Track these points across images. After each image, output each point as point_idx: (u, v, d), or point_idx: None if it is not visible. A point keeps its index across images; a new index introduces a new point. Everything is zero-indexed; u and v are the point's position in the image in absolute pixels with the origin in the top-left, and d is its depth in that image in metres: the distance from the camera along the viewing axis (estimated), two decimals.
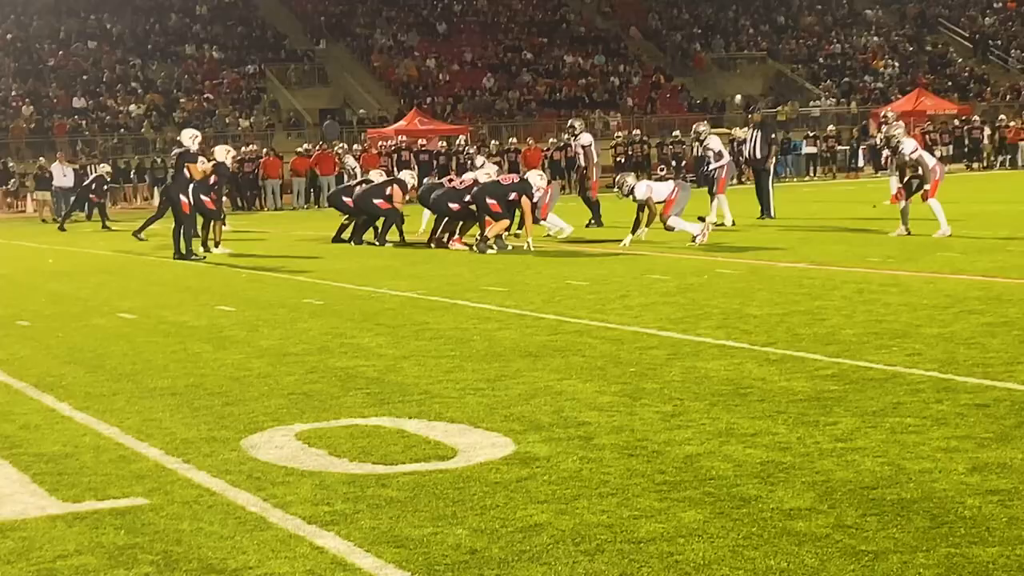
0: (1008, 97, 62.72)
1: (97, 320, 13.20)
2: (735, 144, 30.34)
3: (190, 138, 21.70)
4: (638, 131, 49.36)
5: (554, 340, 10.60)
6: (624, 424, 7.30)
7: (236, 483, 6.30)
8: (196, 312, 13.53)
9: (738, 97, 62.00)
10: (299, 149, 44.53)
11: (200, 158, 22.01)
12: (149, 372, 9.78)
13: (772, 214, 25.12)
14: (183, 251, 21.07)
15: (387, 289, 15.09)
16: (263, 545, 5.27)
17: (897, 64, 68.96)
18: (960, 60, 69.94)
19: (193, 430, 7.60)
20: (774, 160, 27.28)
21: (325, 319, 12.55)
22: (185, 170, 21.27)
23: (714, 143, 24.76)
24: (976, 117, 52.86)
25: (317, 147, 44.50)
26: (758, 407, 7.62)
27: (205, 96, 57.45)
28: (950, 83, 66.07)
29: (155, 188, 45.78)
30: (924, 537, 5.05)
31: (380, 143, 46.26)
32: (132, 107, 55.63)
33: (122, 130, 53.87)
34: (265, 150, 44.84)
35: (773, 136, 27.85)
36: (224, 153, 23.68)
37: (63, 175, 40.37)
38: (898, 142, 20.25)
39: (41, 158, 43.84)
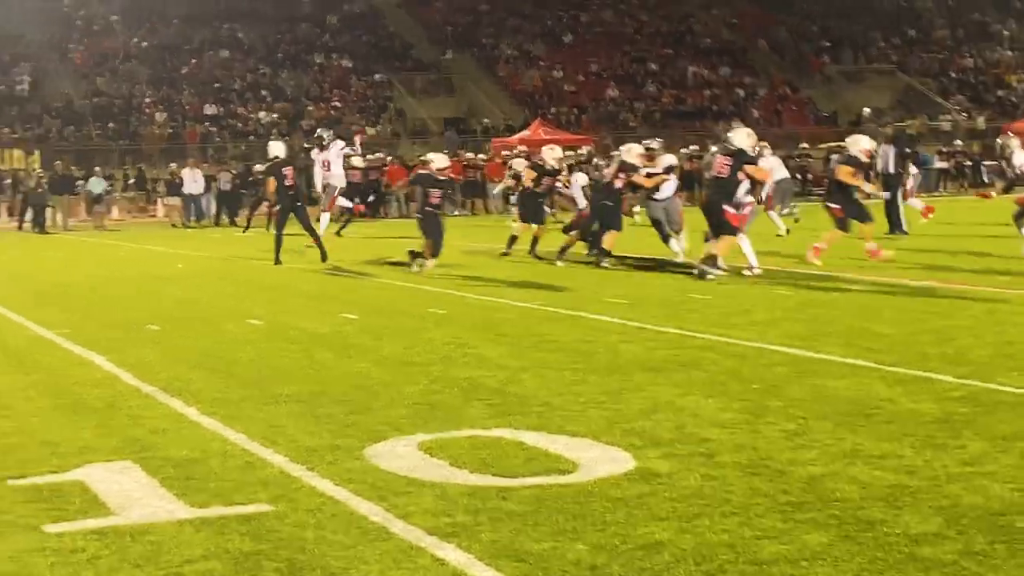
0: None
1: (225, 325, 13.42)
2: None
3: (282, 149, 22.83)
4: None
5: (676, 355, 10.54)
6: (747, 442, 7.24)
7: (359, 492, 6.36)
8: (321, 319, 13.69)
9: (866, 110, 61.17)
10: (423, 158, 44.79)
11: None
12: (275, 379, 9.92)
13: (904, 229, 24.65)
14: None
15: (508, 299, 15.13)
16: (385, 555, 5.31)
17: None
18: None
19: (317, 438, 7.69)
20: (908, 175, 26.78)
21: (448, 328, 12.63)
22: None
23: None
24: None
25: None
26: (884, 428, 7.51)
27: (333, 104, 58.17)
28: None
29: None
30: None
31: (503, 152, 46.38)
32: (262, 114, 56.53)
33: (251, 137, 54.76)
34: (390, 158, 45.21)
35: (907, 151, 27.28)
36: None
37: (193, 181, 41.13)
38: (1011, 152, 19.87)
39: (172, 164, 44.69)
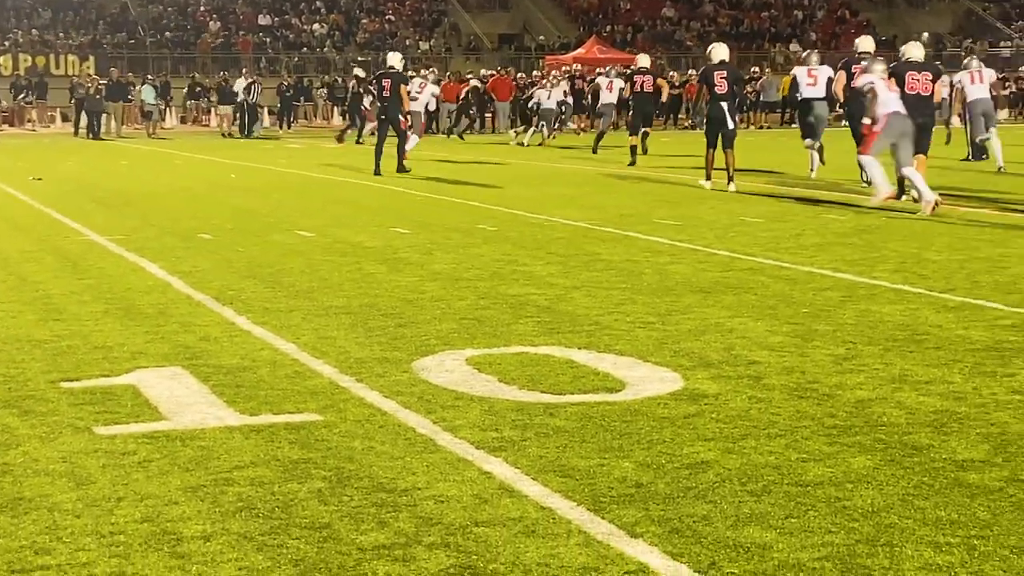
0: None
1: (276, 237, 13.49)
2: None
3: (399, 61, 23.87)
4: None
5: (726, 277, 10.52)
6: (795, 365, 7.23)
7: (407, 404, 6.41)
8: (372, 233, 13.73)
9: (925, 35, 60.31)
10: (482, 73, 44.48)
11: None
12: (325, 290, 9.98)
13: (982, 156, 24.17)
14: (405, 166, 22.73)
15: (559, 218, 15.12)
16: (432, 467, 5.36)
17: None
18: None
19: (366, 350, 7.74)
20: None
21: (498, 245, 12.64)
22: (399, 91, 22.94)
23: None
24: None
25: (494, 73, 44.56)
26: (933, 355, 7.48)
27: (387, 18, 57.93)
28: None
29: (335, 107, 46.55)
30: None
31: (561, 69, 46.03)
32: (315, 26, 56.39)
33: (304, 49, 54.67)
34: (449, 74, 45.01)
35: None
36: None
37: (247, 91, 41.19)
38: None
39: (224, 72, 44.70)
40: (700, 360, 7.38)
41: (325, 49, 54.77)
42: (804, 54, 23.64)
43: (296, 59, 53.35)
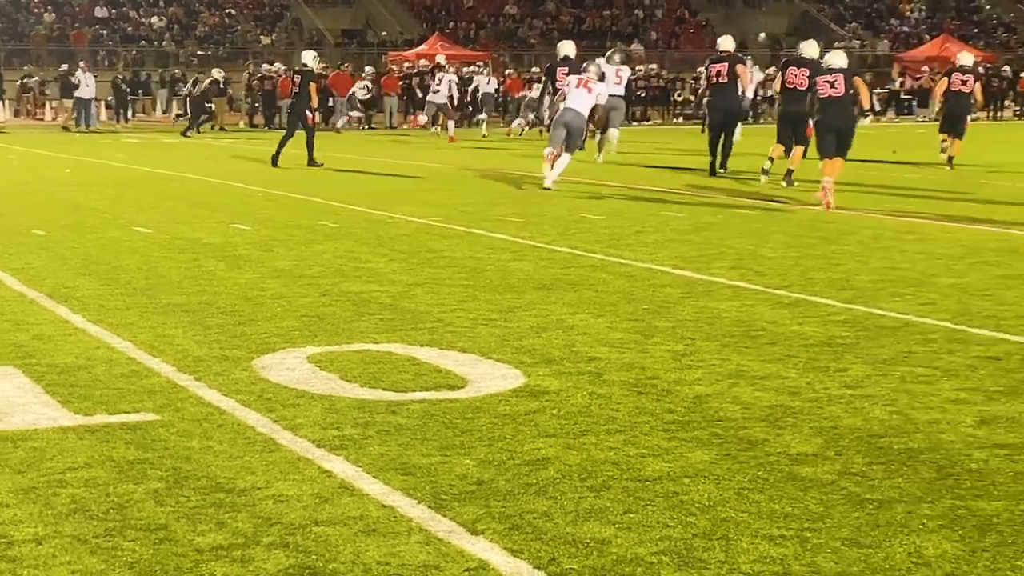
0: None
1: (113, 233, 13.22)
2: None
3: (313, 59, 24.67)
4: (655, 65, 48.98)
5: (567, 273, 10.60)
6: (635, 361, 7.32)
7: (247, 403, 6.33)
8: (211, 229, 13.54)
9: (762, 35, 61.53)
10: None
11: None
12: (163, 288, 9.81)
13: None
14: (315, 160, 23.46)
15: (403, 214, 15.08)
16: (272, 466, 5.30)
17: (924, 8, 68.30)
18: (988, 7, 69.24)
19: (205, 348, 7.63)
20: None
21: (340, 242, 12.56)
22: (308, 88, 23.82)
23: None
24: (1007, 67, 52.37)
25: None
26: (769, 350, 7.63)
27: (227, 11, 57.16)
28: (976, 29, 65.44)
29: (174, 102, 45.80)
30: (929, 488, 5.07)
31: (405, 66, 45.92)
32: (154, 19, 55.39)
33: (142, 42, 53.68)
34: (284, 69, 44.59)
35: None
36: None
37: (86, 84, 40.26)
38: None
39: (64, 65, 43.63)
40: (541, 357, 7.42)
41: (164, 43, 53.84)
42: (608, 52, 24.25)
43: (134, 52, 52.34)
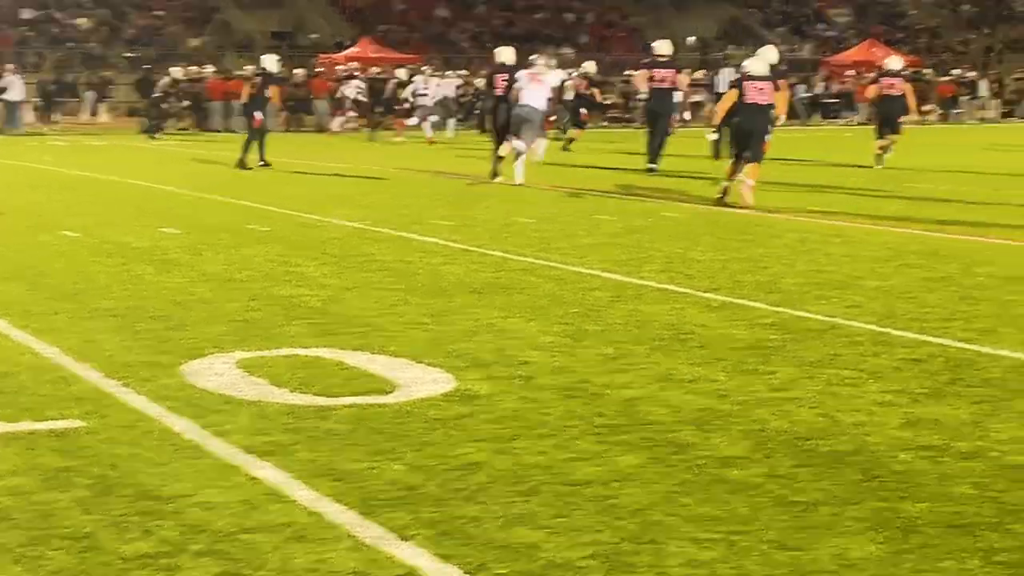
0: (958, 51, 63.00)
1: (40, 237, 13.07)
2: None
3: (273, 63, 24.92)
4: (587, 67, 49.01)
5: (499, 277, 10.61)
6: (565, 365, 7.34)
7: (175, 409, 6.28)
8: (140, 233, 13.42)
9: (691, 39, 61.85)
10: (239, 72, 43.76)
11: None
12: (91, 292, 9.71)
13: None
14: (245, 162, 23.61)
15: (334, 218, 15.03)
16: (199, 473, 5.26)
17: (851, 13, 69.01)
18: (913, 12, 70.08)
19: (133, 354, 7.56)
20: None
21: (270, 246, 12.49)
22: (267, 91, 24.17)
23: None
24: (928, 70, 53.03)
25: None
26: (698, 353, 7.68)
27: (155, 13, 56.65)
28: (902, 34, 66.20)
29: (100, 104, 45.32)
30: (855, 490, 5.12)
31: (338, 68, 45.65)
32: (81, 20, 54.79)
33: (70, 44, 53.08)
34: (212, 70, 44.25)
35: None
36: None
37: (14, 87, 39.74)
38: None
39: None
40: (472, 361, 7.42)
41: (91, 44, 53.26)
42: (532, 57, 24.37)
43: (61, 54, 51.73)
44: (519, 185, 19.50)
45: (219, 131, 39.92)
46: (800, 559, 4.39)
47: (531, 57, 23.52)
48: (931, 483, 5.22)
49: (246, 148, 23.79)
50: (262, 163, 23.76)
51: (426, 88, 35.73)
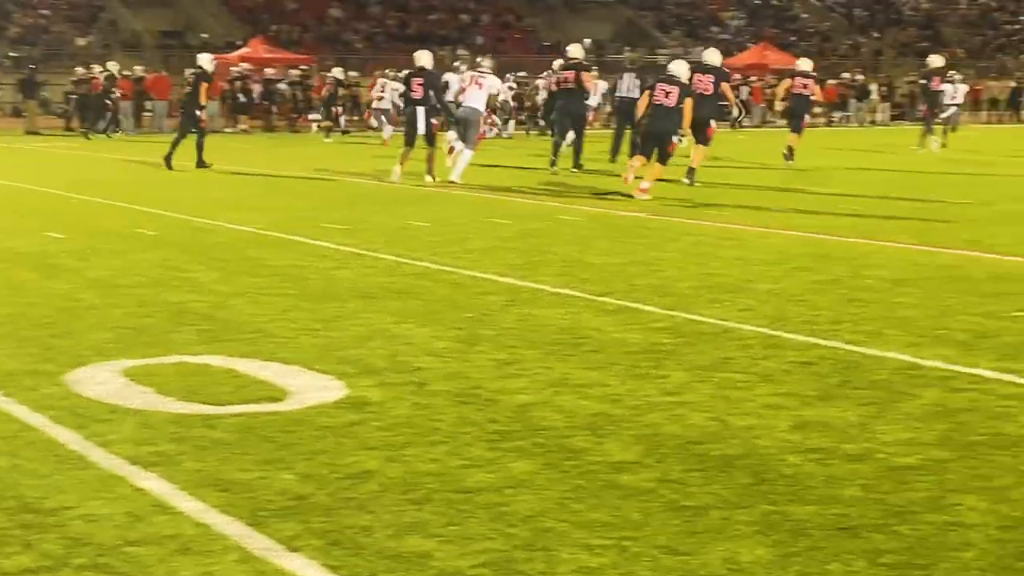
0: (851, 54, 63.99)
1: None
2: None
3: (208, 62, 24.75)
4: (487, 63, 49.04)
5: (392, 282, 10.55)
6: (459, 371, 7.30)
7: (58, 419, 6.15)
8: (24, 237, 13.16)
9: (586, 41, 62.10)
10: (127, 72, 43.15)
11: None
12: None
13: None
14: (204, 161, 23.74)
15: (224, 222, 14.85)
16: (83, 485, 5.15)
17: (744, 16, 69.83)
18: (805, 15, 71.06)
19: (16, 362, 7.40)
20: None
21: (159, 251, 12.31)
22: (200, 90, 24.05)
23: None
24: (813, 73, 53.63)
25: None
26: (592, 358, 7.68)
27: (40, 12, 55.68)
28: (794, 37, 67.09)
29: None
30: (745, 493, 5.15)
31: (230, 69, 45.15)
32: None
33: None
34: (100, 71, 43.51)
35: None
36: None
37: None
38: None
39: None
40: (364, 367, 7.36)
41: None
42: (478, 59, 25.10)
43: None
44: (452, 183, 20.22)
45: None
46: (690, 563, 4.40)
47: (477, 59, 25.26)
48: (819, 486, 5.27)
49: (199, 147, 23.82)
50: (202, 164, 23.69)
51: (383, 92, 36.32)
